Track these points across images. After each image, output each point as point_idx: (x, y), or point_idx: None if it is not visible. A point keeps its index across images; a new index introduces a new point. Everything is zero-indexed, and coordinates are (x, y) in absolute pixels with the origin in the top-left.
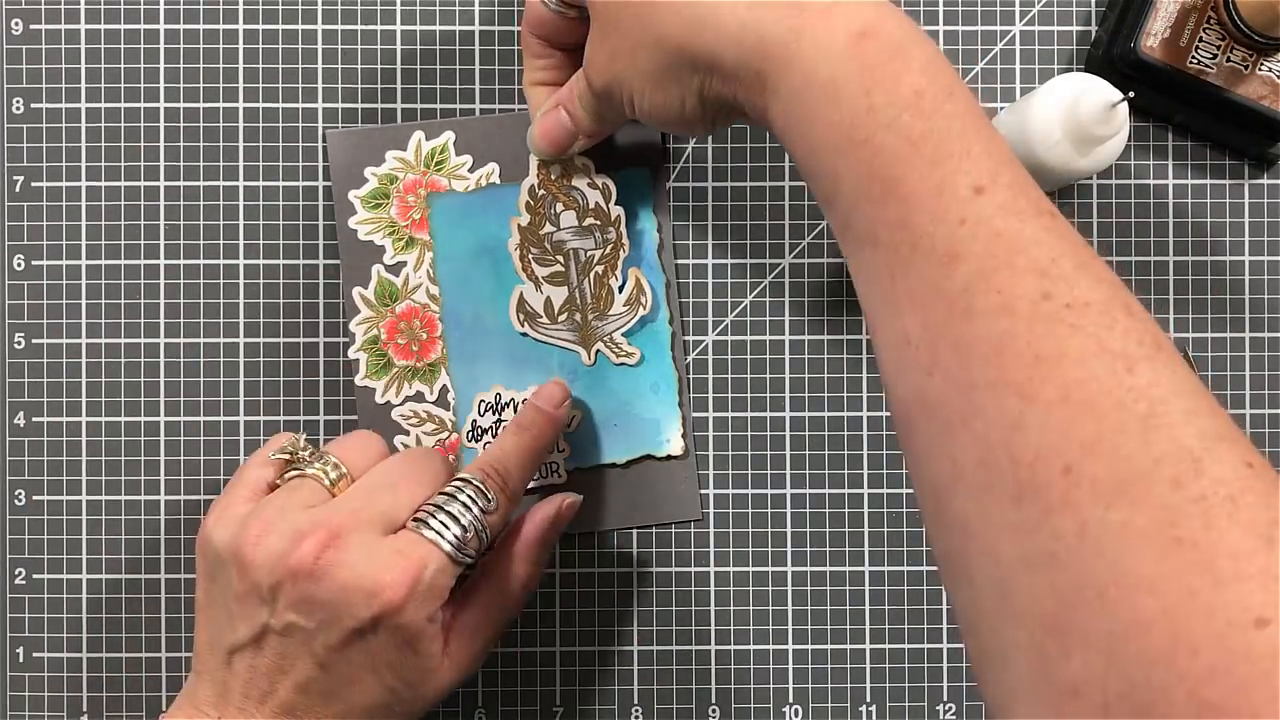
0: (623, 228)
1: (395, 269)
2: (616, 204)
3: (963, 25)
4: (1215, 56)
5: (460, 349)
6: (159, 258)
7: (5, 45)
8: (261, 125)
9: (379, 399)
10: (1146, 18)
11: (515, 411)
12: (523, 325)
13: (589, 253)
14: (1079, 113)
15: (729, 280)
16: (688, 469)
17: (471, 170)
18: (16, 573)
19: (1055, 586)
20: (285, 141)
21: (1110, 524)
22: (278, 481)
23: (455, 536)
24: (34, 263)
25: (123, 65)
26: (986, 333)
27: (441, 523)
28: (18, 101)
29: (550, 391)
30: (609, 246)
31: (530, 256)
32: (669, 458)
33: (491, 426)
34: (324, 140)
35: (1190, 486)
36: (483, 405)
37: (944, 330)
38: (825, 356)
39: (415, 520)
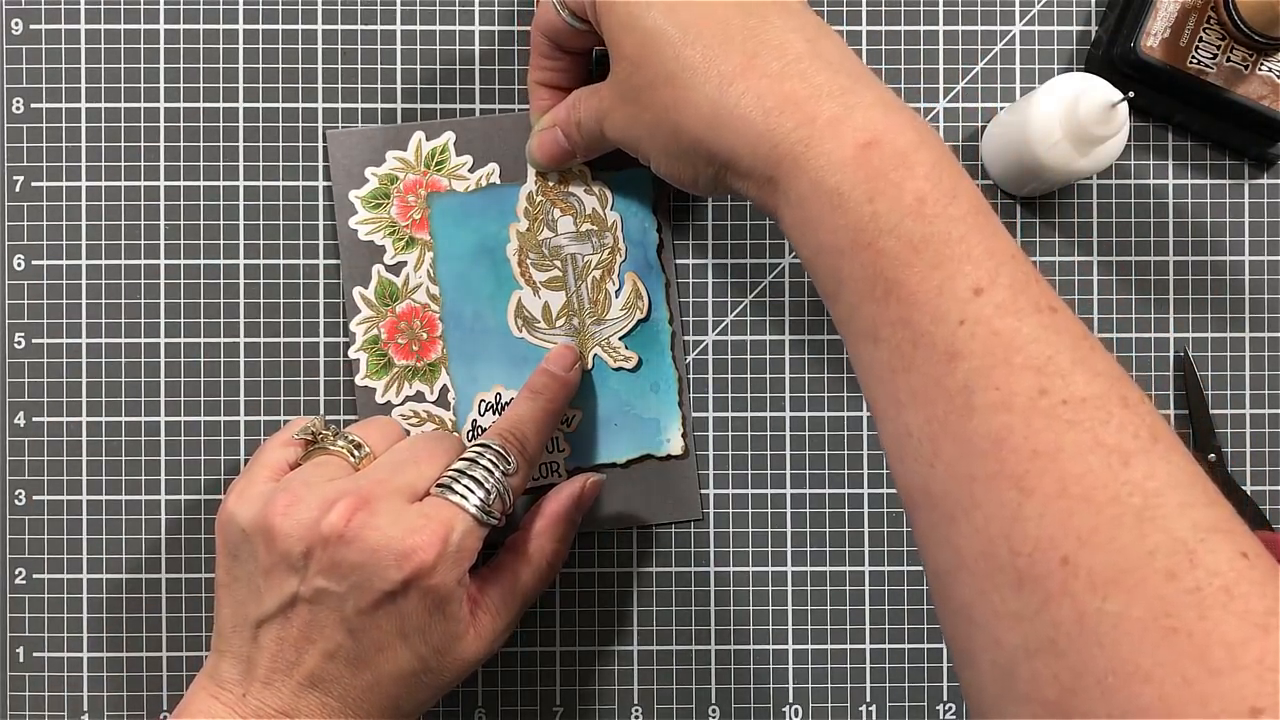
0: (619, 232)
1: (395, 269)
2: (613, 209)
3: (963, 25)
4: (1215, 56)
5: (460, 349)
6: (159, 258)
7: (5, 45)
8: (261, 125)
9: (379, 399)
10: (1146, 18)
11: None
12: (520, 330)
13: (586, 258)
14: (1079, 113)
15: (729, 280)
16: (688, 469)
17: (472, 170)
18: (16, 573)
19: (1057, 674)
20: (285, 141)
21: (1107, 614)
22: (299, 462)
23: (479, 499)
24: (34, 263)
25: (123, 65)
26: (985, 428)
27: (466, 487)
28: (18, 101)
29: (560, 355)
30: (606, 251)
31: (528, 262)
32: (669, 457)
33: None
34: (324, 140)
35: (1184, 578)
36: (483, 405)
37: (945, 425)
38: (825, 356)
39: (439, 486)
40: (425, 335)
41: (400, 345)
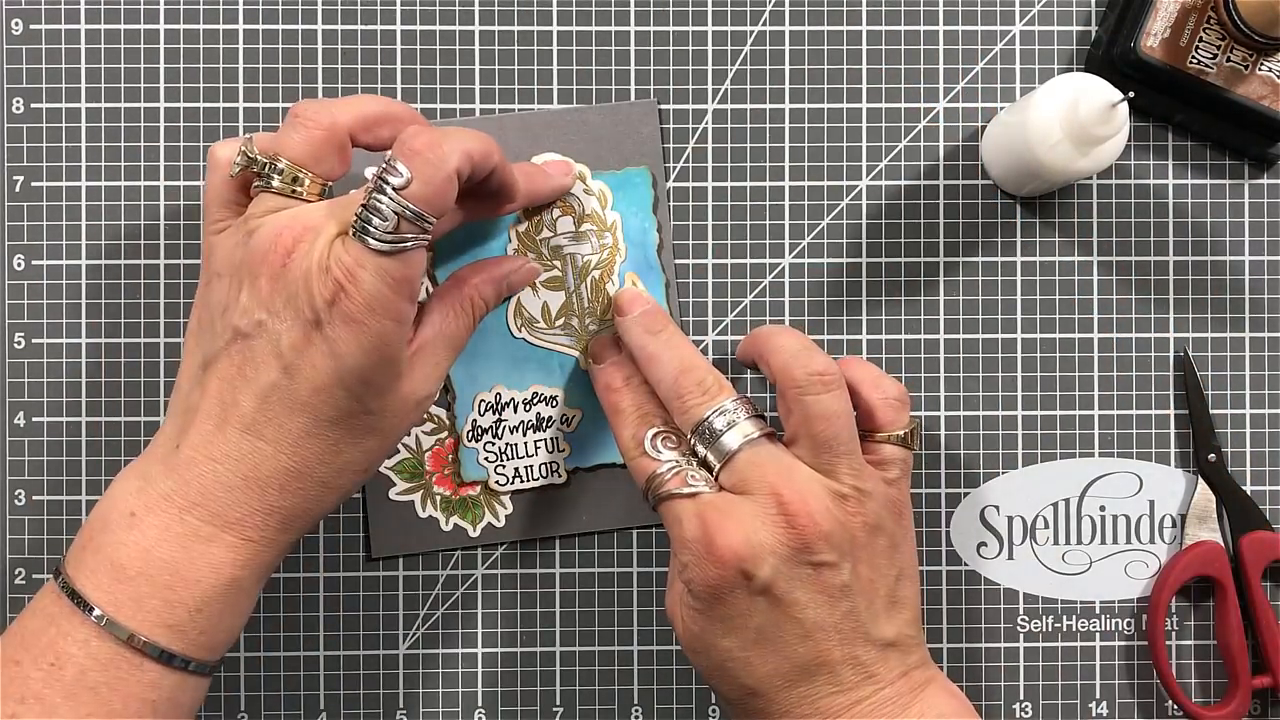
0: (619, 232)
1: None
2: (612, 209)
3: (963, 25)
4: (1215, 56)
5: None
6: (159, 258)
7: (5, 45)
8: (261, 125)
9: None
10: (1146, 18)
11: (516, 412)
12: (520, 330)
13: (585, 257)
14: (1079, 113)
15: (729, 280)
16: None
17: None
18: (16, 572)
19: None
20: None
21: None
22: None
23: (377, 229)
24: (34, 263)
25: (123, 65)
26: None
27: (371, 224)
28: (18, 101)
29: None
30: (605, 251)
31: None
32: None
33: (492, 426)
34: None
35: None
36: (483, 405)
37: None
38: None
39: (353, 225)
40: None
41: None
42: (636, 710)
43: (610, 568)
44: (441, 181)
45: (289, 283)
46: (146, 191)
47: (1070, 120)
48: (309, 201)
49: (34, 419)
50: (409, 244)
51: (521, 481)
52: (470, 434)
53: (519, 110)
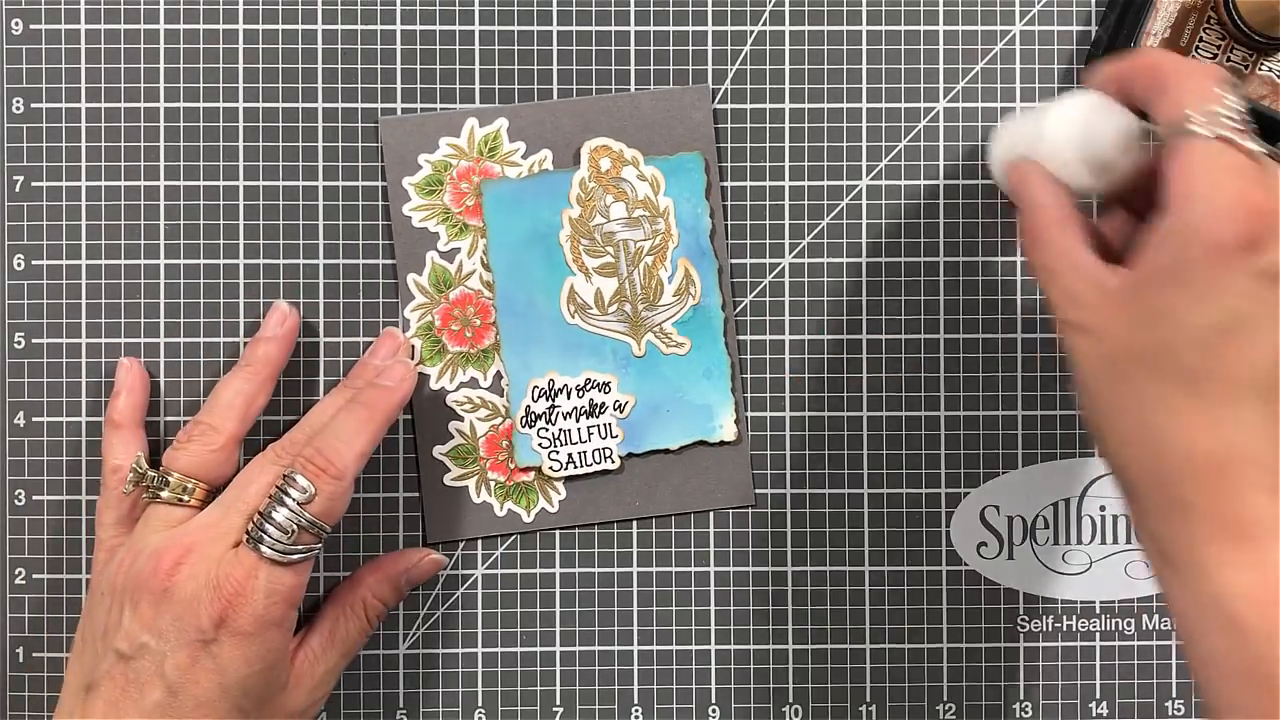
0: (671, 218)
1: (449, 255)
2: (665, 195)
3: (963, 25)
4: (1215, 56)
5: (513, 335)
6: (159, 257)
7: (5, 45)
8: (261, 125)
9: (433, 385)
10: (1146, 18)
11: (569, 398)
12: (573, 317)
13: (638, 243)
14: (1096, 141)
15: (729, 280)
16: (740, 455)
17: (524, 157)
18: (16, 573)
19: None
20: (285, 141)
21: None
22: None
23: (273, 543)
24: (34, 263)
25: (123, 65)
26: None
27: (266, 533)
28: (18, 101)
29: (392, 370)
30: (658, 237)
31: (581, 248)
32: (721, 443)
33: (545, 412)
34: (366, 127)
35: None
36: (536, 391)
37: None
38: (825, 357)
39: (247, 534)
40: (478, 322)
41: (454, 331)
42: (636, 710)
43: (610, 568)
44: (343, 495)
45: (174, 605)
46: (146, 191)
47: (1086, 146)
48: (193, 507)
49: (34, 419)
50: (305, 553)
51: (575, 467)
52: (524, 420)
53: (577, 93)
